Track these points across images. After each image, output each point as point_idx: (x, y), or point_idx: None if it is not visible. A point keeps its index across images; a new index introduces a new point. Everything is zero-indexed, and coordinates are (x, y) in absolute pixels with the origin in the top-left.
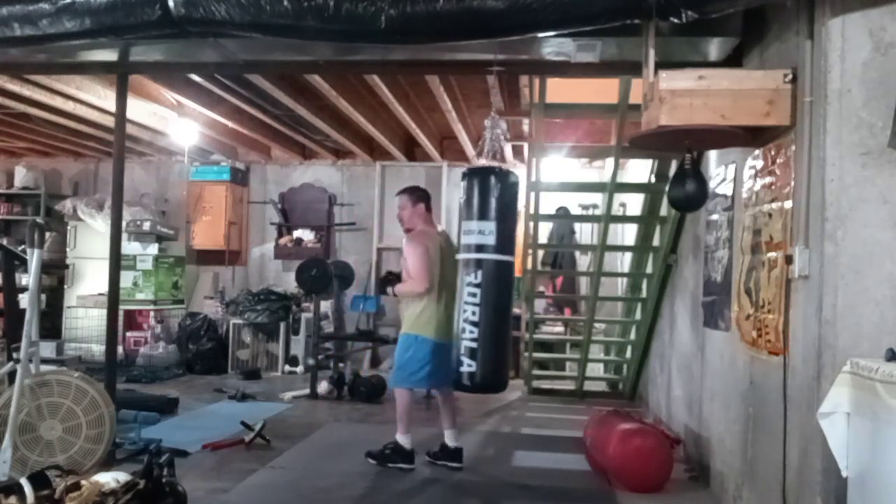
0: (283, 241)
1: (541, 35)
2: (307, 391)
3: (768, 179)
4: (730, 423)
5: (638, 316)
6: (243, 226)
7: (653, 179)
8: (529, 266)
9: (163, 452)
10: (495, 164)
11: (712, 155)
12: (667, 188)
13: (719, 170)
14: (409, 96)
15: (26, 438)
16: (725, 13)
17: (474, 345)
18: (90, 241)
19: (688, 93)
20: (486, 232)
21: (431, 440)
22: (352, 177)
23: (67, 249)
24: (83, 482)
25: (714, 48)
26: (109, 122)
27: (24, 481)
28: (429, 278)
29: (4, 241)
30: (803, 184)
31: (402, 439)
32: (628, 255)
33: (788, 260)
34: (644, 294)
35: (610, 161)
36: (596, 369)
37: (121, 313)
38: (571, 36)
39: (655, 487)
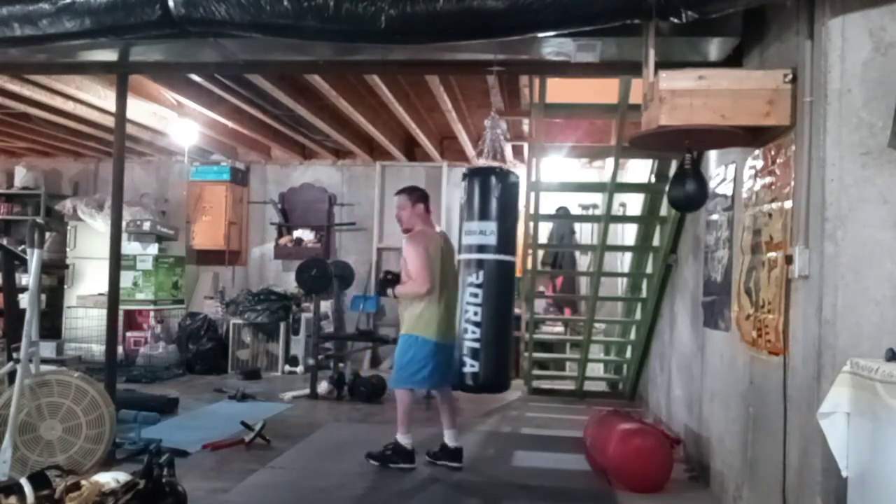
0: (283, 241)
1: (541, 35)
2: (307, 391)
3: (768, 179)
4: (730, 423)
5: (638, 316)
6: (243, 226)
7: (653, 179)
8: (529, 266)
9: (163, 452)
10: (495, 164)
11: (712, 155)
12: (667, 188)
13: (719, 170)
14: (409, 96)
15: (26, 438)
16: (725, 13)
17: (477, 345)
18: (90, 241)
19: (688, 93)
20: (487, 232)
21: (431, 440)
22: (352, 177)
23: (67, 249)
24: (83, 482)
25: (714, 48)
26: (109, 122)
27: (24, 481)
28: (430, 279)
29: (4, 241)
30: (803, 184)
31: (403, 439)
32: (628, 255)
33: (788, 260)
34: (644, 294)
35: (610, 161)
36: (596, 369)
37: (121, 313)
38: (571, 36)
39: (655, 487)
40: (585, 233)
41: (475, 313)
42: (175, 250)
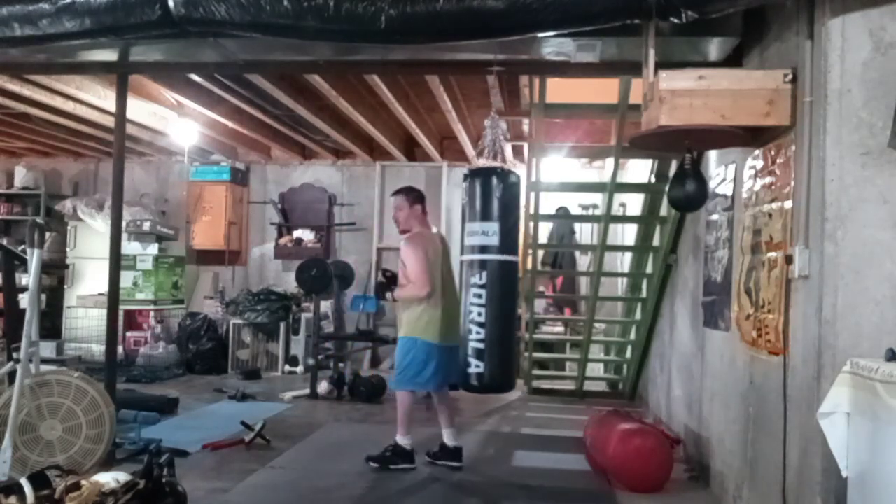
0: (283, 241)
1: (541, 35)
2: (307, 391)
3: (768, 179)
4: (730, 423)
5: (638, 316)
6: (243, 226)
7: (653, 179)
8: (529, 266)
9: (163, 452)
10: (496, 164)
11: (712, 155)
12: (667, 188)
13: (719, 170)
14: (409, 96)
15: (26, 438)
16: (725, 13)
17: (481, 346)
18: (90, 241)
19: (688, 93)
20: (489, 233)
21: (431, 440)
22: (352, 177)
23: (67, 249)
24: (83, 482)
25: (714, 48)
26: (109, 122)
27: (24, 481)
28: (430, 282)
29: (4, 241)
30: (803, 184)
31: (402, 440)
32: (628, 255)
33: (788, 260)
34: (644, 294)
35: (610, 161)
36: (596, 369)
37: (121, 313)
38: (571, 36)
39: (655, 487)
40: (585, 233)
41: (479, 314)
42: (175, 250)
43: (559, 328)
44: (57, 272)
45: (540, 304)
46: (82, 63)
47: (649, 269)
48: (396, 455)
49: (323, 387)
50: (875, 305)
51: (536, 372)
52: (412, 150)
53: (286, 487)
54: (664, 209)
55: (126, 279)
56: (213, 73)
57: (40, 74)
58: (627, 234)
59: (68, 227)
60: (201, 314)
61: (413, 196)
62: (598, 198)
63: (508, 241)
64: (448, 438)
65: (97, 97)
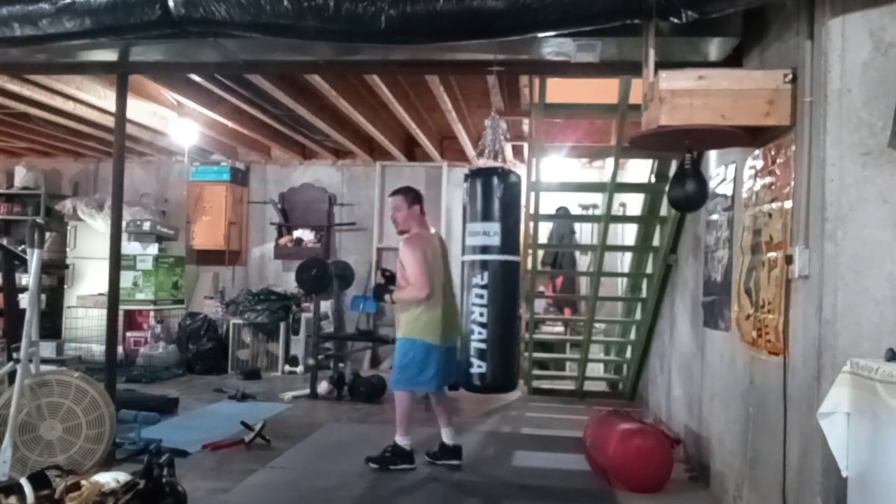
0: (283, 241)
1: (541, 35)
2: (307, 391)
3: (768, 179)
4: (730, 423)
5: (638, 316)
6: (243, 226)
7: (653, 179)
8: (529, 266)
9: (163, 452)
10: (497, 164)
11: (712, 155)
12: (667, 188)
13: (719, 170)
14: (409, 96)
15: (26, 438)
16: (725, 13)
17: (483, 346)
18: (90, 241)
19: (688, 93)
20: (490, 233)
21: (431, 440)
22: (352, 177)
23: (67, 249)
24: (83, 482)
25: (714, 48)
26: (109, 122)
27: (24, 481)
28: (429, 284)
29: (4, 241)
30: (803, 184)
31: (402, 441)
32: (628, 255)
33: (788, 260)
34: (644, 294)
35: (610, 161)
36: (596, 369)
37: (121, 313)
38: (571, 36)
39: (655, 487)
40: (585, 233)
41: (481, 314)
42: (175, 250)
43: (559, 328)
44: (57, 272)
45: (540, 304)
46: (82, 63)
47: (649, 269)
48: (396, 455)
49: (323, 387)
50: (875, 305)
51: (536, 372)
52: (412, 150)
53: (286, 487)
54: (664, 209)
55: (126, 279)
56: (213, 73)
57: (40, 74)
58: (627, 234)
59: (68, 227)
60: (201, 314)
61: (411, 196)
62: (598, 198)
63: (510, 241)
64: (447, 437)
65: (97, 97)
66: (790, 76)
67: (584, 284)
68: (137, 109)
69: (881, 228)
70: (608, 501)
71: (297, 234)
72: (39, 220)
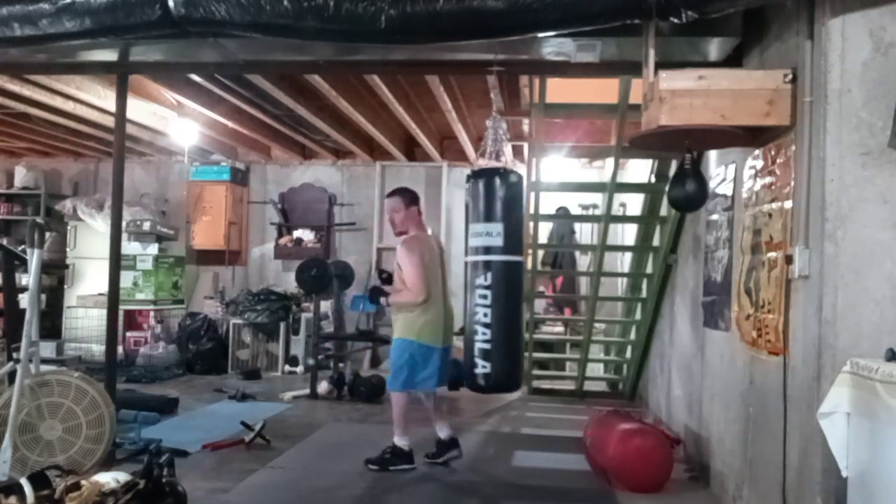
0: (283, 241)
1: (541, 35)
2: (307, 391)
3: (768, 179)
4: (730, 423)
5: (638, 316)
6: (243, 226)
7: (653, 179)
8: (529, 266)
9: (163, 452)
10: (499, 164)
11: (712, 155)
12: (667, 188)
13: (719, 170)
14: (409, 96)
15: (26, 438)
16: (725, 13)
17: (487, 346)
18: (90, 241)
19: (688, 93)
20: (493, 233)
21: (430, 440)
22: (352, 177)
23: (67, 249)
24: (83, 482)
25: (714, 48)
26: (109, 122)
27: (24, 481)
28: (426, 288)
29: (4, 241)
30: (803, 184)
31: (400, 441)
32: (628, 255)
33: (788, 260)
34: (644, 294)
35: (610, 161)
36: (596, 369)
37: (121, 313)
38: (571, 36)
39: (655, 487)
40: (585, 233)
41: (485, 315)
42: (175, 250)
43: (559, 328)
44: (57, 272)
45: (540, 304)
46: (82, 63)
47: (649, 269)
48: (395, 456)
49: (323, 387)
50: (875, 305)
51: (536, 372)
52: (412, 150)
53: (286, 487)
54: (664, 209)
55: (126, 279)
56: (213, 73)
57: (40, 74)
58: (627, 234)
59: (68, 227)
60: (201, 314)
61: (409, 197)
62: (598, 198)
63: (512, 241)
64: (441, 432)
65: (97, 97)
66: (790, 76)
67: (584, 284)
68: (137, 109)
69: (881, 228)
70: (608, 501)
71: (297, 234)
72: (39, 220)
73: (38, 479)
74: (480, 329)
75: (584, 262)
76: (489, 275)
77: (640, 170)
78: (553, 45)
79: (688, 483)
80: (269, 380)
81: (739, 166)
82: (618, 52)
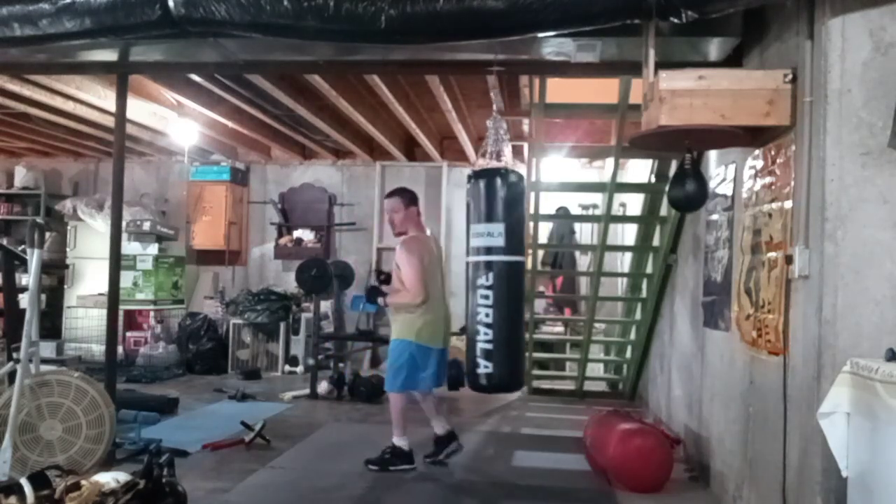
0: (283, 241)
1: (541, 35)
2: (307, 391)
3: (768, 179)
4: (730, 423)
5: (638, 316)
6: (243, 226)
7: (653, 179)
8: (529, 266)
9: (163, 452)
10: (500, 164)
11: (712, 155)
12: (667, 188)
13: (719, 170)
14: (409, 96)
15: (26, 438)
16: (725, 13)
17: (490, 346)
18: (90, 241)
19: (688, 93)
20: (495, 234)
21: (430, 440)
22: (352, 177)
23: (67, 249)
24: (83, 482)
25: (714, 48)
26: (109, 122)
27: (24, 481)
28: (424, 290)
29: (4, 241)
30: (803, 184)
31: (399, 441)
32: (628, 255)
33: (788, 260)
34: (644, 294)
35: (610, 161)
36: (596, 369)
37: (121, 313)
38: (571, 36)
39: (655, 487)
40: (585, 233)
41: (487, 315)
42: (175, 250)
43: (559, 328)
44: (57, 272)
45: (540, 304)
46: (82, 63)
47: (649, 269)
48: (395, 456)
49: (323, 387)
50: (875, 305)
51: (536, 372)
52: (412, 150)
53: (286, 487)
54: (664, 209)
55: (126, 279)
56: (213, 73)
57: (40, 74)
58: (627, 234)
59: (68, 227)
60: (201, 314)
61: (408, 198)
62: (598, 198)
63: (514, 241)
64: (438, 427)
65: (97, 97)
66: (790, 76)
67: (584, 284)
68: (137, 109)
69: (881, 228)
70: (608, 501)
71: (297, 234)
72: (39, 220)
73: (38, 479)
74: (482, 329)
75: (584, 262)
76: (491, 275)
77: (640, 170)
78: (553, 45)
79: (688, 483)
80: (269, 380)
81: (739, 166)
82: (618, 52)
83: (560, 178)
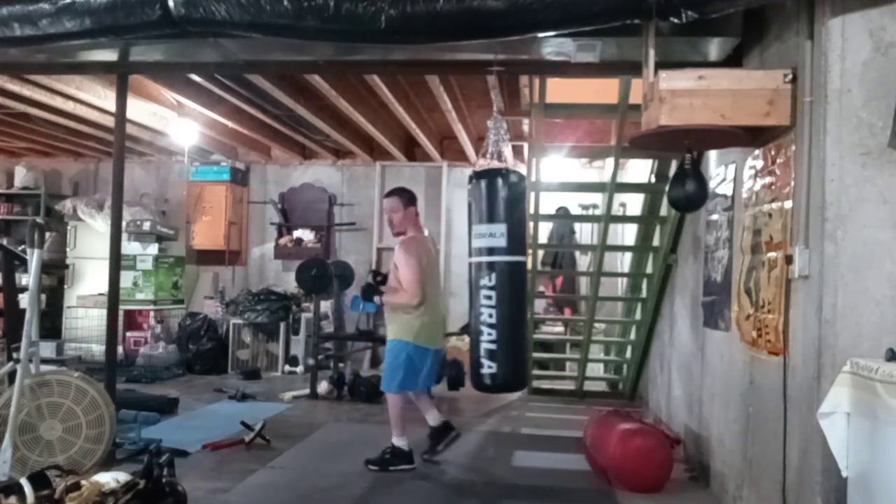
0: (283, 241)
1: (541, 35)
2: (307, 391)
3: (768, 179)
4: (730, 423)
5: (638, 316)
6: (243, 226)
7: (653, 179)
8: (529, 266)
9: (163, 452)
10: (501, 164)
11: (712, 155)
12: (667, 188)
13: (719, 170)
14: (409, 96)
15: (26, 438)
16: (725, 13)
17: (493, 346)
18: (90, 241)
19: (688, 93)
20: (497, 234)
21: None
22: (352, 177)
23: (67, 249)
24: (83, 482)
25: (714, 48)
26: (109, 122)
27: (24, 481)
28: (421, 291)
29: (4, 241)
30: (803, 184)
31: (399, 441)
32: (628, 255)
33: (788, 260)
34: (644, 294)
35: (610, 161)
36: (596, 369)
37: (121, 313)
38: (571, 36)
39: (655, 487)
40: (585, 233)
41: (490, 315)
42: (175, 250)
43: (559, 328)
44: (57, 272)
45: (540, 304)
46: (82, 63)
47: (649, 269)
48: (395, 456)
49: (323, 387)
50: (875, 305)
51: (536, 372)
52: (412, 150)
53: (286, 487)
54: (664, 209)
55: (126, 279)
56: (213, 73)
57: (40, 74)
58: (627, 234)
59: (68, 227)
60: (201, 314)
61: (407, 198)
62: (598, 198)
63: (516, 241)
64: (432, 420)
65: (97, 97)
66: (790, 76)
67: (584, 284)
68: (137, 109)
69: (881, 228)
70: (608, 501)
71: (297, 234)
72: (39, 220)
73: (38, 479)
74: (486, 330)
75: (584, 262)
76: (493, 275)
77: (640, 170)
78: (553, 45)
79: (688, 483)
80: (269, 380)
81: (739, 166)
82: (618, 52)
83: (560, 178)
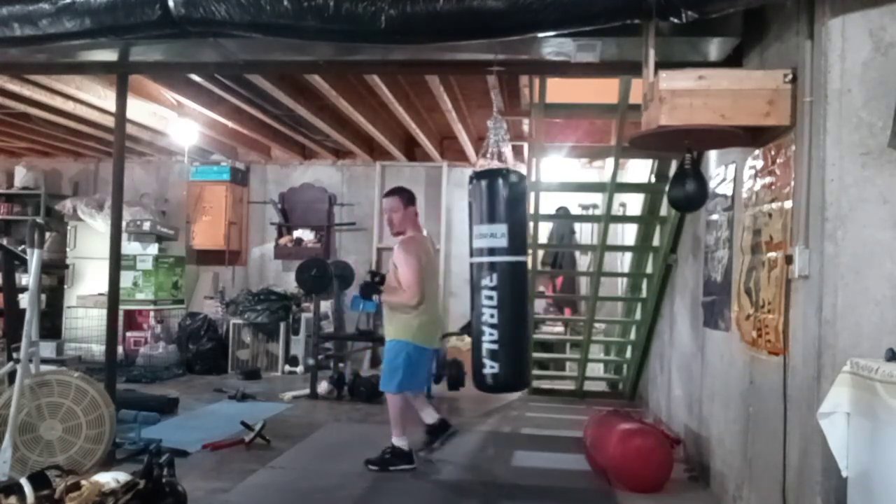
0: (283, 241)
1: (541, 35)
2: (307, 391)
3: (768, 179)
4: (730, 423)
5: (638, 316)
6: (243, 226)
7: (653, 179)
8: (529, 266)
9: (163, 452)
10: (501, 164)
11: (712, 155)
12: (667, 188)
13: (719, 170)
14: (409, 96)
15: (26, 438)
16: (725, 13)
17: (495, 346)
18: (90, 241)
19: (688, 93)
20: (497, 234)
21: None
22: (352, 177)
23: (67, 249)
24: (83, 482)
25: (714, 48)
26: (109, 122)
27: (24, 481)
28: (420, 291)
29: (4, 241)
30: (803, 184)
31: (399, 441)
32: (628, 255)
33: (788, 260)
34: (644, 294)
35: (610, 161)
36: (596, 369)
37: (121, 313)
38: (571, 36)
39: (655, 487)
40: (585, 233)
41: (491, 315)
42: (175, 250)
43: (559, 328)
44: (57, 272)
45: (540, 304)
46: (82, 63)
47: (649, 269)
48: (395, 456)
49: (323, 387)
50: (875, 305)
51: (536, 372)
52: (412, 150)
53: (286, 487)
54: (664, 209)
55: (126, 279)
56: (213, 73)
57: (40, 74)
58: (627, 234)
59: (68, 227)
60: (201, 314)
61: (406, 197)
62: (598, 198)
63: (517, 242)
64: (428, 418)
65: (97, 97)
66: (790, 76)
67: (584, 284)
68: (137, 109)
69: (881, 228)
70: (608, 501)
71: (297, 234)
72: (39, 220)
73: (38, 479)
74: (488, 330)
75: (584, 262)
76: (495, 276)
77: (640, 170)
78: (553, 45)
79: (688, 483)
80: (269, 380)
81: (739, 166)
82: (618, 52)
83: (560, 178)
